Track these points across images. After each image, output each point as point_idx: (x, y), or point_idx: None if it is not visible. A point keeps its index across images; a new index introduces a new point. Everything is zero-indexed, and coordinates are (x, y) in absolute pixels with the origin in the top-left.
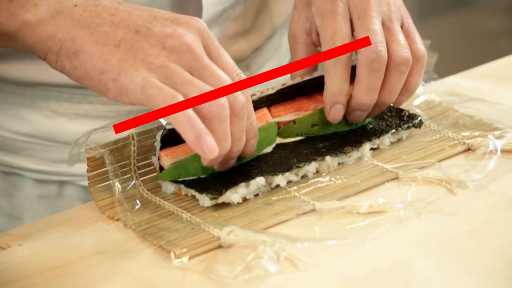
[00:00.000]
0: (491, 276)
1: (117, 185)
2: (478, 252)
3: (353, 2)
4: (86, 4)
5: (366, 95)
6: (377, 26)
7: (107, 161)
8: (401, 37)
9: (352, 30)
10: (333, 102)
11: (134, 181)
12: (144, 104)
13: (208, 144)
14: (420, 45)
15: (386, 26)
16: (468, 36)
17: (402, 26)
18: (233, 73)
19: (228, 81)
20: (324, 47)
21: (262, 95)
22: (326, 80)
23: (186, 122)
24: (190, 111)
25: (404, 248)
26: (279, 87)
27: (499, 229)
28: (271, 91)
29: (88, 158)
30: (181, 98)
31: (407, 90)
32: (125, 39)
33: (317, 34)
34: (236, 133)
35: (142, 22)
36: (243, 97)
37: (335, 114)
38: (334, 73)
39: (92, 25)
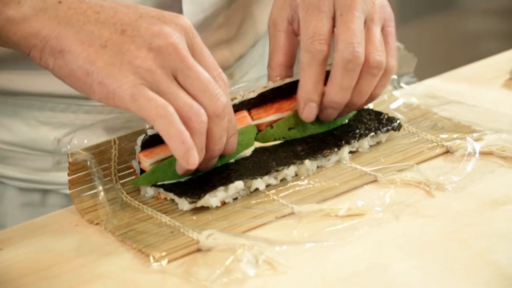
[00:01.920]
0: (471, 278)
1: (100, 188)
2: (457, 254)
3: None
4: (70, 0)
5: (339, 94)
6: (357, 25)
7: (92, 165)
8: (378, 40)
9: (334, 25)
10: (307, 100)
11: (114, 185)
12: (132, 111)
13: (194, 159)
14: (392, 57)
15: (367, 26)
16: (447, 39)
17: (382, 29)
18: (215, 73)
19: (211, 81)
20: (302, 45)
21: (244, 99)
22: (301, 78)
23: (177, 138)
24: (182, 126)
25: (383, 250)
26: (260, 90)
27: (477, 230)
28: (252, 95)
29: (70, 163)
30: (172, 109)
31: (363, 94)
32: (112, 39)
33: (299, 24)
34: (217, 132)
35: (128, 21)
36: (225, 98)
37: (309, 112)
38: (309, 72)
39: (77, 23)
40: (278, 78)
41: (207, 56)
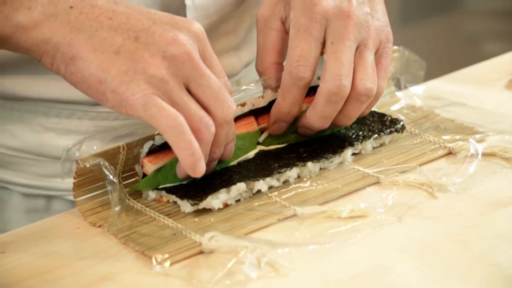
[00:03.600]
0: (473, 279)
1: (112, 191)
2: (459, 255)
3: (332, 25)
4: (82, 5)
5: (318, 121)
6: (347, 56)
7: (105, 168)
8: (370, 66)
9: (323, 52)
10: (278, 120)
11: (118, 187)
12: (143, 120)
13: (201, 169)
14: (383, 79)
15: (359, 51)
16: (450, 40)
17: (377, 51)
18: (221, 80)
19: (222, 89)
20: (287, 67)
21: (254, 107)
22: (279, 98)
23: (187, 150)
24: (192, 137)
25: (386, 252)
26: (270, 96)
27: (480, 232)
28: (262, 103)
29: (78, 169)
30: (182, 120)
31: (349, 118)
32: (125, 46)
33: (288, 41)
34: (222, 137)
35: (141, 27)
36: (235, 105)
37: (277, 129)
38: (288, 94)
39: (89, 29)
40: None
41: (216, 63)
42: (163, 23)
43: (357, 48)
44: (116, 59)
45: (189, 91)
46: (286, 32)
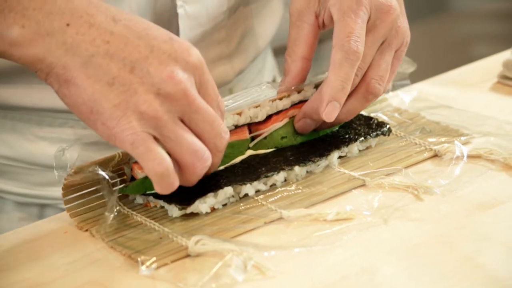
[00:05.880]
0: (460, 281)
1: (108, 197)
2: (446, 257)
3: (371, 16)
4: (79, 23)
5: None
6: (369, 51)
7: (102, 173)
8: (385, 67)
9: None
10: (332, 98)
11: (106, 191)
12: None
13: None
14: (388, 83)
15: (381, 48)
16: (437, 42)
17: (394, 52)
18: (214, 104)
19: (216, 120)
20: (337, 42)
21: (252, 121)
22: (330, 75)
23: (168, 190)
24: (175, 180)
25: (372, 254)
26: (266, 105)
27: (466, 234)
28: (260, 116)
29: (69, 175)
30: (168, 165)
31: (350, 114)
32: (119, 77)
33: (324, 21)
34: (215, 164)
35: (138, 56)
36: (228, 134)
37: (331, 110)
38: (340, 70)
39: (85, 53)
40: (294, 71)
41: (211, 88)
42: (161, 51)
43: (381, 45)
44: (109, 91)
45: (183, 121)
46: (318, 27)
